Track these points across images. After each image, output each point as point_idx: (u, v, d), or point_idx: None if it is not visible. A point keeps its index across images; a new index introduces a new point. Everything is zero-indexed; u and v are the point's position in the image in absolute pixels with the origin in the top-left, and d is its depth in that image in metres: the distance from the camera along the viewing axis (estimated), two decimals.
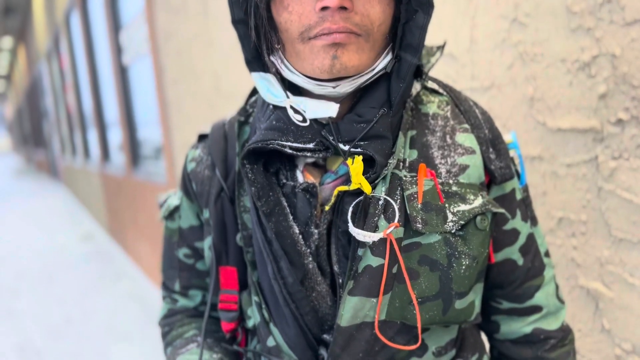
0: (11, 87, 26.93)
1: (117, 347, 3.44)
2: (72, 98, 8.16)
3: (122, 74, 4.79)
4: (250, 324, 0.76)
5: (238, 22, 0.67)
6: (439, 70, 1.33)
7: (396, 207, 0.65)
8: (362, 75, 0.65)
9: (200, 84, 2.91)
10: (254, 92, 0.83)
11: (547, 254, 0.80)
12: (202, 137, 0.85)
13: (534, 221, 0.79)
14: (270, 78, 0.68)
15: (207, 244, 0.79)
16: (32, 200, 11.19)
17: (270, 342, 0.72)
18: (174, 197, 0.88)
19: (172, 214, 0.87)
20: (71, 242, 6.81)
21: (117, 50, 4.74)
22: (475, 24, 1.21)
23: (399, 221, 0.65)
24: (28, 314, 4.28)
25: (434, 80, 0.79)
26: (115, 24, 4.71)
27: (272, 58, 0.67)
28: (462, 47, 1.25)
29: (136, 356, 3.29)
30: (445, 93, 0.77)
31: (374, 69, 0.65)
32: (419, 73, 0.74)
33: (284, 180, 0.70)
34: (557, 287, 0.81)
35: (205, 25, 2.68)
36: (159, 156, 4.29)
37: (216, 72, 2.66)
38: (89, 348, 3.47)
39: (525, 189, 0.79)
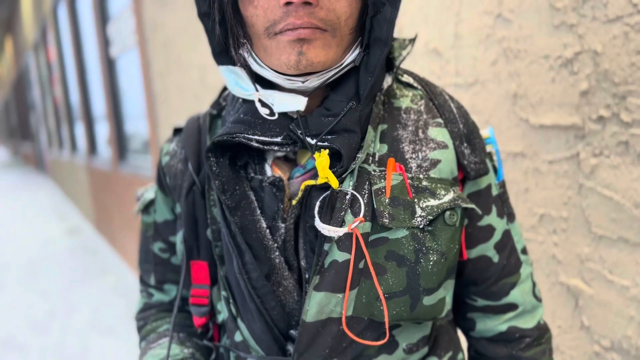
0: None
1: (101, 342, 3.41)
2: (60, 90, 8.08)
3: (110, 66, 4.74)
4: (220, 318, 0.76)
5: (204, 15, 0.66)
6: (423, 66, 1.32)
7: (362, 202, 0.64)
8: (330, 70, 0.64)
9: (186, 76, 2.89)
10: None
11: (524, 251, 0.79)
12: (177, 131, 0.85)
13: (510, 217, 0.78)
14: (239, 71, 0.68)
15: (179, 238, 0.79)
16: (18, 193, 11.08)
17: (238, 337, 0.71)
18: (150, 191, 0.87)
19: (147, 207, 0.86)
20: (57, 236, 6.75)
21: (105, 42, 4.70)
22: (460, 20, 1.20)
23: (364, 216, 0.64)
24: (11, 307, 4.23)
25: (410, 73, 0.79)
26: (102, 16, 4.66)
27: (240, 52, 0.66)
28: (447, 42, 1.24)
29: (120, 351, 3.26)
30: (420, 87, 0.76)
31: (342, 64, 0.65)
32: (390, 66, 0.73)
33: (252, 174, 0.70)
34: (534, 284, 0.80)
35: (192, 17, 2.66)
36: (147, 150, 4.25)
37: (203, 65, 2.64)
38: (72, 342, 3.44)
39: (502, 185, 0.78)
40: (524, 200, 1.14)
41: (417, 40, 1.32)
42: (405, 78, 0.77)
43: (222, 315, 0.75)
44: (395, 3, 0.62)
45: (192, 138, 0.78)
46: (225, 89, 0.83)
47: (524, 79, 1.08)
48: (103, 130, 5.75)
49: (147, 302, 0.89)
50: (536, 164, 1.10)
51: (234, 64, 0.68)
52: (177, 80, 3.05)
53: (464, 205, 0.68)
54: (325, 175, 0.62)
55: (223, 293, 0.72)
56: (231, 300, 0.71)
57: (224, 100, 0.81)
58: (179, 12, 2.83)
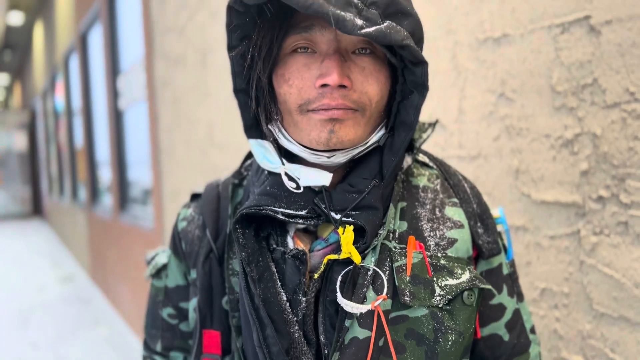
0: None
1: None
2: (64, 137, 8.19)
3: (117, 117, 4.84)
4: None
5: (239, 91, 0.70)
6: (429, 137, 1.37)
7: (385, 279, 0.66)
8: (356, 147, 0.68)
9: (194, 132, 2.95)
10: (249, 156, 0.86)
11: (532, 330, 0.81)
12: (194, 197, 0.86)
13: (520, 297, 0.80)
14: (267, 145, 0.71)
15: (192, 305, 0.79)
16: (14, 237, 11.00)
17: None
18: (163, 255, 0.88)
19: (159, 272, 0.87)
20: (50, 283, 6.66)
21: (114, 94, 4.81)
22: (464, 96, 1.25)
23: (387, 293, 0.65)
24: None
25: (425, 153, 0.82)
26: (113, 69, 4.79)
27: (270, 126, 0.70)
28: (451, 116, 1.29)
29: None
30: (435, 167, 0.80)
31: (367, 142, 0.68)
32: (410, 147, 0.77)
33: (274, 246, 0.71)
34: None
35: (202, 76, 2.75)
36: (146, 200, 4.28)
37: (210, 122, 2.70)
38: None
39: (512, 264, 0.80)
40: (525, 274, 1.16)
41: (422, 112, 1.37)
42: (421, 157, 0.80)
43: None
44: (423, 91, 0.65)
45: (211, 205, 0.79)
46: (246, 159, 0.86)
47: (525, 156, 1.12)
48: (105, 179, 5.79)
49: None
50: (538, 239, 1.12)
51: (262, 138, 0.72)
52: (184, 135, 3.11)
53: (482, 285, 0.69)
54: (349, 250, 0.64)
55: None
56: None
57: (245, 170, 0.84)
58: (189, 72, 2.92)
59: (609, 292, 0.99)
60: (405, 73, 0.65)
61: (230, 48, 0.68)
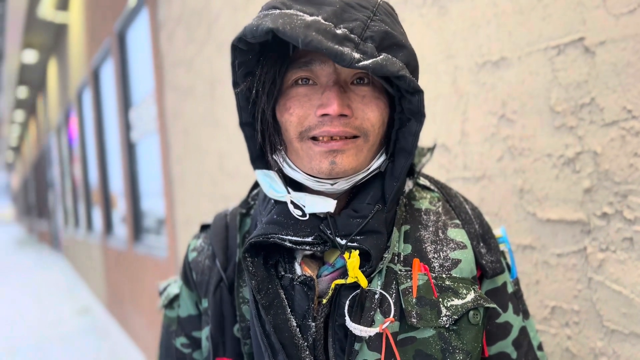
0: (19, 158, 27.43)
1: None
2: (79, 170, 8.31)
3: (130, 149, 4.92)
4: None
5: (245, 125, 0.73)
6: (434, 159, 1.39)
7: (391, 302, 0.67)
8: (359, 174, 0.70)
9: (204, 162, 3.00)
10: (256, 185, 0.88)
11: (540, 347, 0.81)
12: (204, 227, 0.89)
13: (525, 314, 0.81)
14: (273, 175, 0.74)
15: (204, 334, 0.80)
16: (31, 271, 11.09)
17: None
18: (174, 286, 0.90)
19: (171, 302, 0.89)
20: (67, 316, 6.69)
21: (126, 126, 4.90)
22: (466, 119, 1.28)
23: (394, 315, 0.67)
24: None
25: (426, 177, 0.84)
26: (125, 102, 4.89)
27: (274, 157, 0.73)
28: (454, 139, 1.31)
29: None
30: (436, 189, 0.82)
31: (369, 169, 0.71)
32: (411, 172, 0.79)
33: (283, 273, 0.73)
34: None
35: (211, 107, 2.80)
36: (160, 229, 4.32)
37: (220, 152, 2.74)
38: None
39: (516, 282, 0.81)
40: (535, 292, 1.16)
41: (425, 135, 1.39)
42: (422, 181, 0.83)
43: None
44: (420, 118, 0.68)
45: (219, 235, 0.82)
46: (253, 188, 0.88)
47: (529, 175, 1.14)
48: (120, 208, 5.86)
49: None
50: (545, 257, 1.13)
51: (268, 168, 0.74)
52: (195, 165, 3.16)
53: (487, 304, 0.71)
54: (355, 275, 0.66)
55: None
56: None
57: (252, 199, 0.86)
58: (199, 103, 2.98)
59: (618, 309, 0.99)
60: (402, 102, 0.68)
61: (235, 84, 0.71)
